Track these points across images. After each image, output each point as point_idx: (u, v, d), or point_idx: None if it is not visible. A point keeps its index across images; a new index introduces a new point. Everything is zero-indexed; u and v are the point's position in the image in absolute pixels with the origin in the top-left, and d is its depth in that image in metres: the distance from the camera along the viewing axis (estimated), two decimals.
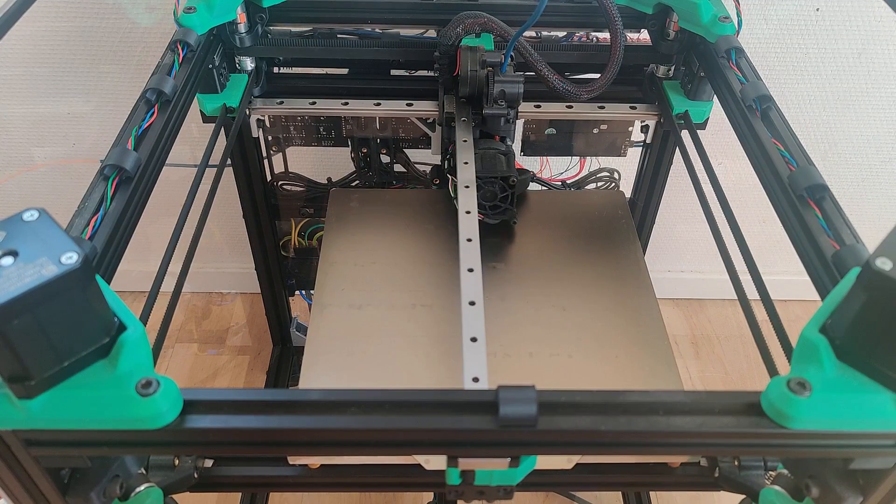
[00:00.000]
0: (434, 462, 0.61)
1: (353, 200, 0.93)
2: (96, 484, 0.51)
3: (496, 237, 0.88)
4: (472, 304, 0.62)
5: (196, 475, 0.63)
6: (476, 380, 0.56)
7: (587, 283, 0.82)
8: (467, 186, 0.76)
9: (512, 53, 0.82)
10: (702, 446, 0.50)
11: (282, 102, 0.94)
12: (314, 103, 0.93)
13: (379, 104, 0.93)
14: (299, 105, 0.94)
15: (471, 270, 0.66)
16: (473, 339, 0.60)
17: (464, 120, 0.84)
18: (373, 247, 0.86)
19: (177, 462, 0.61)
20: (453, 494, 0.56)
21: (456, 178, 0.78)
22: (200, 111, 0.88)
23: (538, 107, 0.93)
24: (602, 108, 0.93)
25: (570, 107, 0.93)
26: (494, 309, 0.78)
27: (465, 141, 0.82)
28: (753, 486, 0.60)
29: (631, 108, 0.94)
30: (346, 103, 0.92)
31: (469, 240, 0.69)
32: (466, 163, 0.79)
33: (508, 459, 0.49)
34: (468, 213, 0.73)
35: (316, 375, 0.70)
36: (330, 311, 0.77)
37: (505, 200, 0.83)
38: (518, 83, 0.79)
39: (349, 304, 0.77)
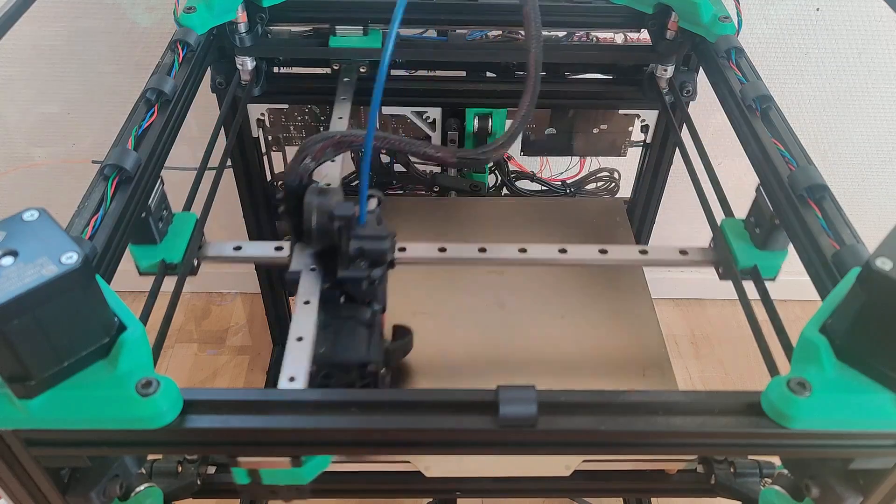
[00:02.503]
0: (434, 468, 0.61)
1: None
2: (96, 484, 0.51)
3: (497, 244, 0.88)
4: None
5: (199, 482, 0.63)
6: (292, 379, 0.55)
7: (585, 291, 0.82)
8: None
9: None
10: (702, 446, 0.50)
11: (282, 102, 0.94)
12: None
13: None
14: (299, 105, 0.94)
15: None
16: (299, 339, 0.58)
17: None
18: None
19: (180, 469, 0.61)
20: (246, 495, 0.54)
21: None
22: (135, 264, 0.69)
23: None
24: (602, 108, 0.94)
25: (570, 113, 0.93)
26: (493, 316, 0.78)
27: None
28: (749, 492, 0.61)
29: (631, 108, 0.94)
30: None
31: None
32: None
33: (289, 459, 0.49)
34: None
35: None
36: None
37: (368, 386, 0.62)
38: (383, 238, 0.61)
39: None
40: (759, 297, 0.64)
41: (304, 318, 0.59)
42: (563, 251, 0.70)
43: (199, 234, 0.71)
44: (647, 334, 0.78)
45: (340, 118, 0.84)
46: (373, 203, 0.62)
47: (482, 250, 0.69)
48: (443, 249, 0.69)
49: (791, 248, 0.62)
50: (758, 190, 0.69)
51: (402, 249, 0.69)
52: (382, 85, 0.52)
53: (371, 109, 0.55)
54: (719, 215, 0.73)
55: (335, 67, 0.91)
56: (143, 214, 0.65)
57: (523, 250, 0.70)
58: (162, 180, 0.68)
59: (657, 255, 0.71)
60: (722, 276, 0.72)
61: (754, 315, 0.64)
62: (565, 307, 0.79)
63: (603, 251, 0.70)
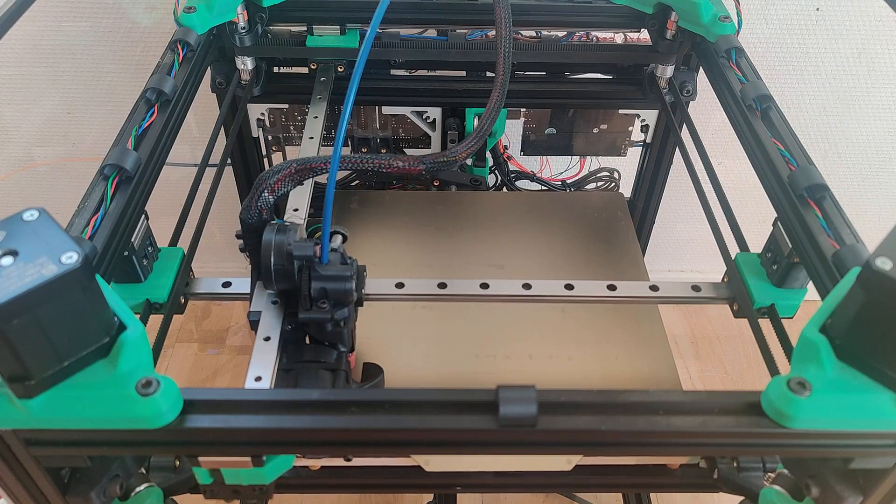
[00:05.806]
0: (434, 463, 0.61)
1: (352, 202, 0.93)
2: (96, 484, 0.51)
3: (497, 238, 0.88)
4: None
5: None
6: (259, 379, 0.56)
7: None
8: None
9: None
10: (702, 446, 0.50)
11: (282, 102, 0.94)
12: None
13: (379, 104, 0.93)
14: (299, 105, 0.94)
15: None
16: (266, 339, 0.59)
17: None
18: (372, 248, 0.86)
19: (177, 463, 0.61)
20: (209, 494, 0.54)
21: None
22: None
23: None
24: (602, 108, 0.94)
25: (570, 112, 0.93)
26: (494, 310, 0.78)
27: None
28: (752, 487, 0.60)
29: (631, 108, 0.94)
30: None
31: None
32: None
33: (249, 459, 0.48)
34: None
35: None
36: None
37: None
38: (347, 279, 0.58)
39: None
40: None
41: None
42: (569, 287, 0.68)
43: (186, 270, 0.68)
44: (649, 328, 0.77)
45: (316, 118, 0.85)
46: (337, 240, 0.60)
47: (484, 286, 0.68)
48: (442, 285, 0.68)
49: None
50: (775, 224, 0.66)
51: (401, 286, 0.67)
52: (352, 99, 0.52)
53: (338, 130, 0.52)
54: (719, 215, 0.73)
55: (312, 67, 0.92)
56: (126, 252, 0.62)
57: (527, 286, 0.68)
58: (146, 215, 0.65)
59: (668, 292, 0.69)
60: (737, 314, 0.69)
61: (755, 314, 0.64)
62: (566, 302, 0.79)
63: (612, 287, 0.69)
